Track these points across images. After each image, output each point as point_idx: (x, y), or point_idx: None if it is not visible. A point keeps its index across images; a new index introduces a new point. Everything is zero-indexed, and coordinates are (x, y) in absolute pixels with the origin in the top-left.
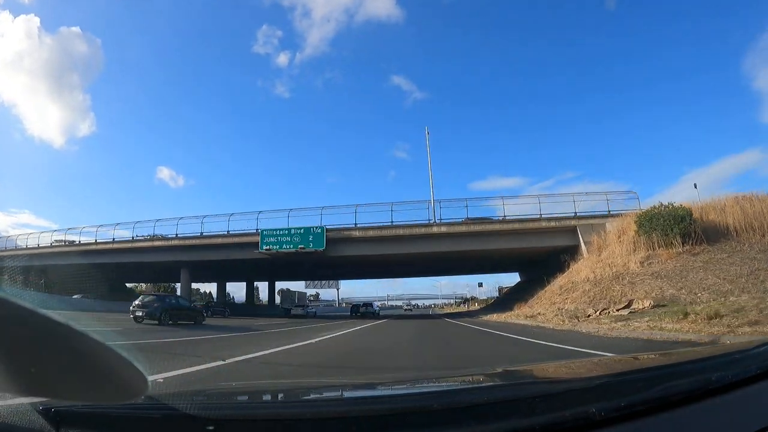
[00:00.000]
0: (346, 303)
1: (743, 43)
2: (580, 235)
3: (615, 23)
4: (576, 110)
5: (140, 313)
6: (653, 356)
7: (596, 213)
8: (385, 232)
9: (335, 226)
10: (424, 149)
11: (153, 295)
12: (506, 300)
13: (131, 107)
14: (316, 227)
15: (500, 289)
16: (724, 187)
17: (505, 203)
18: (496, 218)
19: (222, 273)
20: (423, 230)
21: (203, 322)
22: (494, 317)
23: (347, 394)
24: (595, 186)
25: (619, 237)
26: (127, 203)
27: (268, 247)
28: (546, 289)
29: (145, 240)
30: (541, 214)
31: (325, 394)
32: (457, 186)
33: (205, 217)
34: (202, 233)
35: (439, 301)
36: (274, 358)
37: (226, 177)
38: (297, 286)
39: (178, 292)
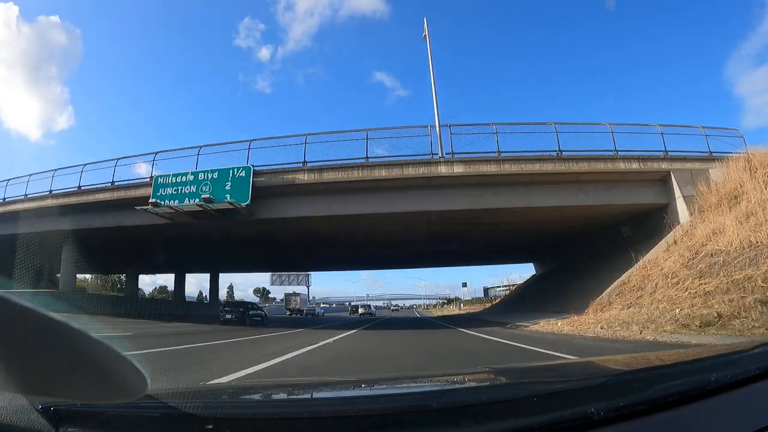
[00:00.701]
0: (323, 303)
1: (726, 50)
2: (675, 186)
3: (604, 29)
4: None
5: (229, 316)
6: (652, 356)
7: (695, 154)
8: (354, 175)
9: (270, 167)
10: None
11: (237, 302)
12: (528, 299)
13: (110, 101)
14: (238, 168)
15: (486, 290)
16: None
17: (559, 131)
18: (549, 152)
19: (125, 254)
20: (422, 171)
21: (266, 323)
22: (561, 327)
23: (346, 393)
24: None
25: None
26: None
27: (156, 200)
28: (639, 272)
29: (16, 201)
30: (616, 150)
31: (324, 394)
32: None
33: (86, 165)
34: (80, 187)
35: (421, 302)
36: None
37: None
38: (262, 280)
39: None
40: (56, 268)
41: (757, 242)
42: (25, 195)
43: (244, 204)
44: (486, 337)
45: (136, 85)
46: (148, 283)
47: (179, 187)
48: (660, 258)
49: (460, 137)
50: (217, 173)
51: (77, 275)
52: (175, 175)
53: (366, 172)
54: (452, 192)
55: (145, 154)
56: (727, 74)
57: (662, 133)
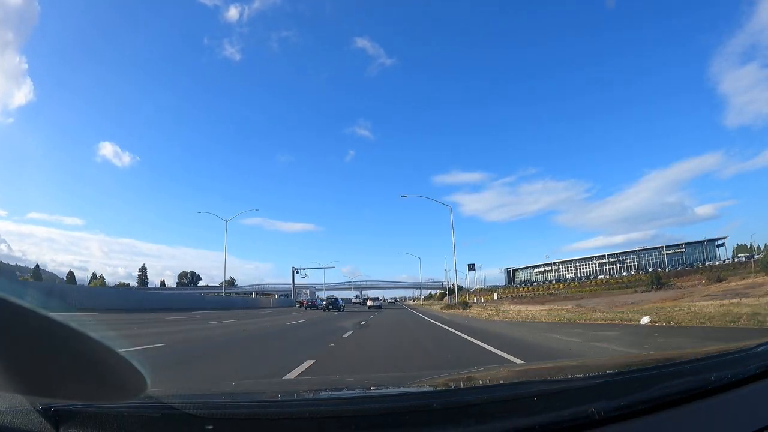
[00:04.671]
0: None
1: (711, 47)
2: None
3: (592, 22)
4: (542, 107)
5: (330, 307)
6: (653, 356)
7: None
8: None
9: None
10: (390, 128)
11: (333, 297)
12: None
13: (68, 71)
14: None
15: (512, 272)
16: (681, 189)
17: None
18: None
19: None
20: None
21: (345, 309)
22: None
23: (347, 393)
24: (557, 183)
25: None
26: (71, 183)
27: None
28: None
29: None
30: None
31: (324, 394)
32: (419, 178)
33: None
34: None
35: (401, 293)
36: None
37: (170, 152)
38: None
39: None
40: None
41: None
42: None
43: None
44: None
45: (95, 50)
46: None
47: None
48: None
49: None
50: None
51: None
52: None
53: None
54: None
55: None
56: (711, 72)
57: None
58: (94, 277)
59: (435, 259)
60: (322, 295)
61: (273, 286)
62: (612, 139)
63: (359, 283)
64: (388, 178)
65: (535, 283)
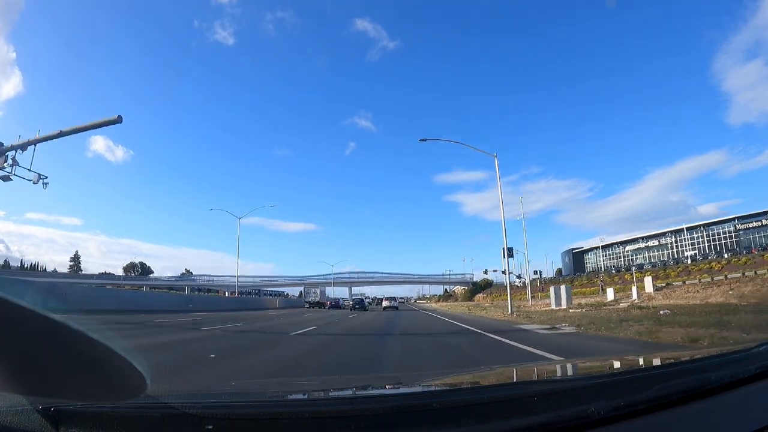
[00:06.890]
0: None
1: (715, 43)
2: None
3: (589, 16)
4: (542, 102)
5: (356, 306)
6: (652, 355)
7: None
8: None
9: None
10: (393, 118)
11: (358, 297)
12: None
13: (58, 60)
14: None
15: (580, 255)
16: (684, 187)
17: None
18: None
19: None
20: None
21: (369, 309)
22: None
23: (347, 392)
24: (560, 182)
25: None
26: (66, 181)
27: None
28: None
29: None
30: None
31: (325, 393)
32: (422, 172)
33: None
34: None
35: (402, 290)
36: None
37: (165, 144)
38: None
39: None
40: None
41: None
42: None
43: None
44: None
45: (83, 39)
46: None
47: None
48: None
49: None
50: None
51: None
52: None
53: None
54: None
55: None
56: (715, 68)
57: None
58: None
59: (447, 252)
60: (315, 291)
61: (220, 279)
62: (616, 137)
63: (362, 275)
64: (391, 170)
65: (646, 265)
